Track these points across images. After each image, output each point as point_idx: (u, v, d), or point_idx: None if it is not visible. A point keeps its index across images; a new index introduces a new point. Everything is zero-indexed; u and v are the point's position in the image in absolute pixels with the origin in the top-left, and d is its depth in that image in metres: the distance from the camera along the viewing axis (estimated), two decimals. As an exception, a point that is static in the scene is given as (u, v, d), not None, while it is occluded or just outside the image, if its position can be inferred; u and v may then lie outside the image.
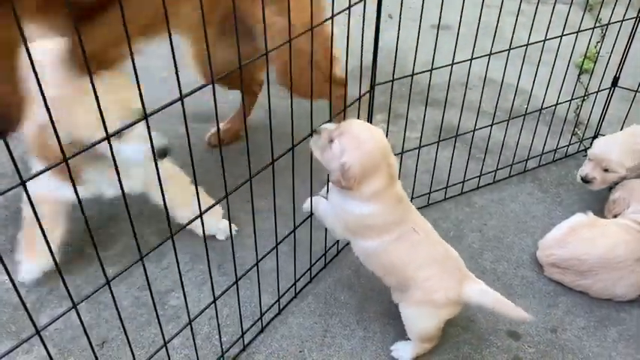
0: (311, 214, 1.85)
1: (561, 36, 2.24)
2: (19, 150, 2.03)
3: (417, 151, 2.23)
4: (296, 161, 1.64)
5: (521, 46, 2.16)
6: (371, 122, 2.02)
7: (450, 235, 2.23)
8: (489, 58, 2.14)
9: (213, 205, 1.41)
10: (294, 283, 1.96)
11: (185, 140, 1.26)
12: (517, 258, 2.15)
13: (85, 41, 0.89)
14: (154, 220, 2.18)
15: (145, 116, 1.07)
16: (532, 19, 2.10)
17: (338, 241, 2.12)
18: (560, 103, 2.55)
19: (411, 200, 1.92)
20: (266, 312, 1.87)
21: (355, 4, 1.61)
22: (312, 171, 1.74)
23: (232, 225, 2.09)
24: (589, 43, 2.59)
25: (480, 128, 2.37)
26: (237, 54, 1.20)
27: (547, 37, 2.20)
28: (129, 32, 0.93)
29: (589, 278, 1.94)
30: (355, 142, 1.55)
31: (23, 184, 0.91)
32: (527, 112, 2.50)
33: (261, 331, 1.86)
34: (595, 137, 2.77)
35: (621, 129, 2.51)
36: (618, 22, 2.39)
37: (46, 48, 1.67)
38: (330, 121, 1.73)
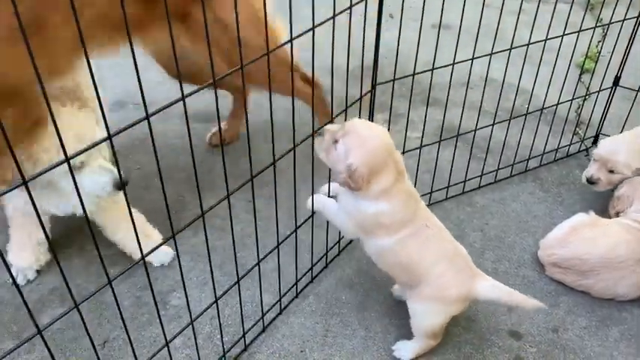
0: (312, 214, 1.85)
1: (562, 35, 2.24)
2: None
3: (419, 150, 2.23)
4: (297, 161, 1.64)
5: (523, 46, 2.16)
6: (372, 122, 2.02)
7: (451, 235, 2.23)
8: (490, 58, 2.14)
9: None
10: (296, 283, 1.96)
11: (186, 140, 1.26)
12: (518, 257, 2.15)
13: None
14: (155, 221, 2.17)
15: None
16: (533, 18, 2.10)
17: (339, 241, 2.12)
18: (562, 103, 2.55)
19: (413, 200, 1.92)
20: (267, 312, 1.87)
21: (356, 3, 1.61)
22: (313, 171, 1.74)
23: (169, 250, 2.10)
24: (590, 43, 2.59)
25: (482, 128, 2.36)
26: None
27: (548, 37, 2.20)
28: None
29: (590, 278, 1.94)
30: (359, 141, 1.55)
31: (25, 183, 0.91)
32: (529, 111, 2.50)
33: (263, 330, 1.86)
34: (596, 137, 2.77)
35: (622, 128, 2.51)
36: (619, 21, 2.38)
37: None
38: (331, 121, 1.73)
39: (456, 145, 2.38)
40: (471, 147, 2.47)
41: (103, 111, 1.01)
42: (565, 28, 2.24)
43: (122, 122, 1.02)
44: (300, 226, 1.85)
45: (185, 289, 1.45)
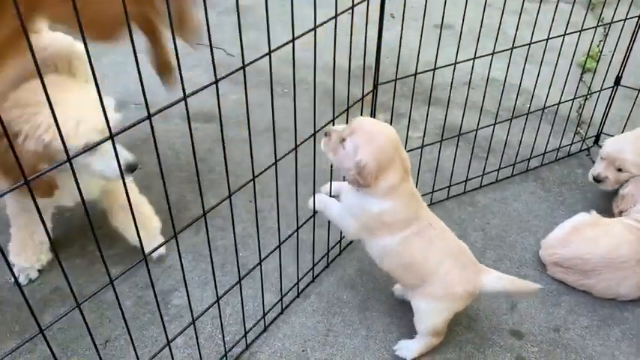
0: (314, 214, 1.85)
1: (564, 35, 2.24)
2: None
3: (420, 150, 2.23)
4: (299, 161, 1.65)
5: (524, 46, 2.16)
6: (373, 122, 2.03)
7: (452, 235, 2.24)
8: (492, 58, 2.14)
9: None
10: (297, 283, 1.96)
11: (187, 140, 1.26)
12: (520, 257, 2.15)
13: None
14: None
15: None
16: (535, 18, 2.10)
17: (340, 241, 2.12)
18: (563, 102, 2.55)
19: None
20: (269, 311, 1.87)
21: (358, 3, 1.61)
22: (315, 171, 1.74)
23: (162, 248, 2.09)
24: (592, 42, 2.59)
25: (483, 127, 2.36)
26: None
27: (549, 36, 2.20)
28: None
29: (592, 278, 1.94)
30: (367, 137, 1.55)
31: (27, 183, 0.91)
32: (530, 111, 2.50)
33: (264, 330, 1.86)
34: (598, 136, 2.77)
35: (624, 128, 2.51)
36: (621, 20, 2.38)
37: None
38: (332, 121, 1.73)
39: (457, 145, 2.38)
40: (473, 146, 2.46)
41: (104, 111, 1.02)
42: (566, 28, 2.23)
43: (123, 122, 1.02)
44: (301, 225, 1.85)
45: (187, 289, 1.45)
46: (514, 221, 2.32)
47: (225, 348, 1.73)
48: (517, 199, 2.44)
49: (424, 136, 2.34)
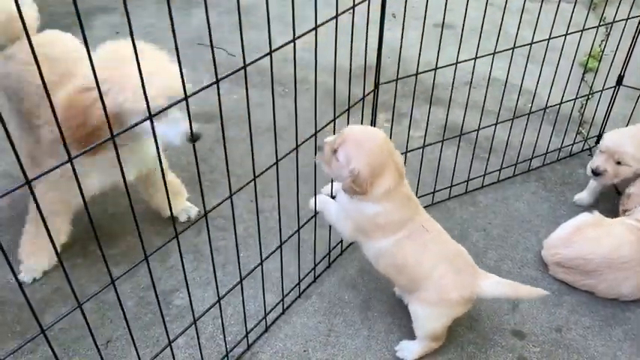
0: (315, 214, 1.85)
1: (565, 35, 2.23)
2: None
3: (421, 150, 2.23)
4: (300, 161, 1.64)
5: (525, 45, 2.15)
6: (375, 121, 2.02)
7: (454, 234, 2.21)
8: (493, 57, 2.13)
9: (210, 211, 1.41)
10: (298, 283, 1.96)
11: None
12: (521, 257, 2.15)
13: None
14: (158, 220, 2.18)
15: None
16: (536, 17, 2.09)
17: (342, 241, 2.12)
18: (565, 102, 2.55)
19: (415, 199, 1.92)
20: (270, 312, 1.87)
21: (359, 3, 1.61)
22: (315, 171, 1.74)
23: (192, 207, 2.26)
24: (593, 42, 2.58)
25: (484, 127, 2.36)
26: None
27: (551, 36, 2.20)
28: None
29: (594, 278, 1.94)
30: (358, 144, 1.56)
31: (28, 183, 0.91)
32: (532, 111, 2.50)
33: (266, 330, 1.86)
34: (599, 136, 2.76)
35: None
36: (623, 20, 2.38)
37: None
38: (333, 120, 1.73)
39: (458, 145, 2.38)
40: (474, 146, 2.46)
41: (106, 112, 1.02)
42: (568, 27, 2.23)
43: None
44: (302, 226, 1.85)
45: (188, 289, 1.45)
46: (516, 221, 2.31)
47: (226, 348, 1.73)
48: (519, 199, 2.43)
49: (425, 136, 2.34)
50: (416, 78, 2.03)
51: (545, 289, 1.99)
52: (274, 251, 1.75)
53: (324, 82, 2.53)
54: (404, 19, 1.84)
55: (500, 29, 2.07)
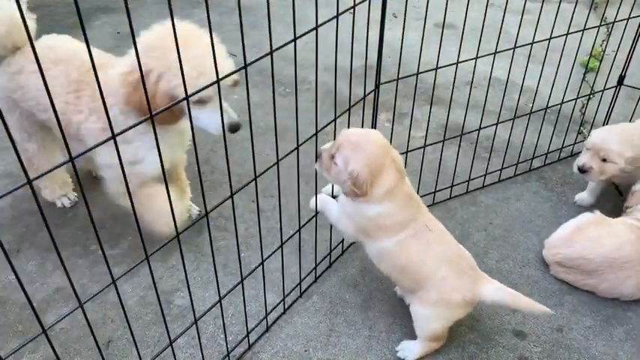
0: (316, 214, 1.85)
1: (566, 34, 2.23)
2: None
3: (422, 150, 2.23)
4: (300, 161, 1.65)
5: (526, 45, 2.15)
6: (375, 121, 2.02)
7: (455, 234, 2.21)
8: (494, 57, 2.13)
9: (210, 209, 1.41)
10: (299, 283, 1.96)
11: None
12: (522, 257, 2.15)
13: None
14: (159, 220, 2.18)
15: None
16: (537, 17, 2.09)
17: (343, 241, 2.12)
18: (566, 102, 2.54)
19: (416, 199, 1.92)
20: (271, 311, 1.87)
21: (360, 3, 1.61)
22: (316, 171, 1.74)
23: (193, 206, 2.29)
24: (594, 42, 2.58)
25: (485, 127, 2.36)
26: None
27: (552, 36, 2.19)
28: None
29: (595, 277, 1.94)
30: (354, 147, 1.56)
31: (29, 183, 0.92)
32: (533, 110, 2.50)
33: (267, 330, 1.86)
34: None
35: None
36: (624, 20, 2.38)
37: None
38: (334, 120, 1.73)
39: (459, 145, 2.38)
40: (475, 146, 2.46)
41: (107, 112, 1.02)
42: (569, 27, 2.23)
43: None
44: (303, 225, 1.85)
45: (189, 289, 1.45)
46: (517, 221, 2.31)
47: (227, 348, 1.73)
48: (520, 199, 2.43)
49: (426, 136, 2.34)
50: (417, 78, 2.03)
51: (547, 289, 2.01)
52: (275, 251, 1.75)
53: (324, 82, 2.53)
54: (405, 18, 1.84)
55: (500, 29, 2.07)
